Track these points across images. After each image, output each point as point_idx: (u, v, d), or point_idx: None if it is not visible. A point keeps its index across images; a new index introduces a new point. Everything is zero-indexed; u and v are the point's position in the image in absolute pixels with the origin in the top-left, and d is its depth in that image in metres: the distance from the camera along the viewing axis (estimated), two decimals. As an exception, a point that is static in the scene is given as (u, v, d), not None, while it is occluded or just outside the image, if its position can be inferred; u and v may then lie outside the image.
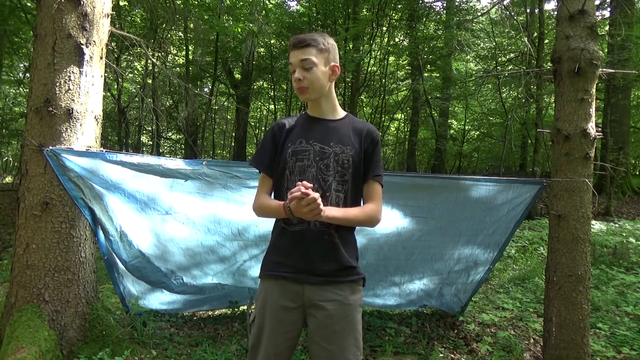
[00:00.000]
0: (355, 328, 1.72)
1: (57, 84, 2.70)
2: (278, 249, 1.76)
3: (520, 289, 4.99)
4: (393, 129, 18.21)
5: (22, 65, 12.46)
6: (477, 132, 16.71)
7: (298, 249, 1.70)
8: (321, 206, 1.54)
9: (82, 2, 2.76)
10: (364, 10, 11.82)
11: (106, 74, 3.76)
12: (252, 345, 1.75)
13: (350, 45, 11.56)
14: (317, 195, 1.52)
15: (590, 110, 2.86)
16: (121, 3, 10.06)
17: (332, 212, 1.63)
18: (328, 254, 1.70)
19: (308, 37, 1.74)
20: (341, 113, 1.85)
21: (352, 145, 1.76)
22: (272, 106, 16.78)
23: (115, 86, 11.85)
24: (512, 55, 13.34)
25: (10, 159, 11.82)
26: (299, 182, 1.54)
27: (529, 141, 13.62)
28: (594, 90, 2.88)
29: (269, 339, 1.70)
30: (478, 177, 3.42)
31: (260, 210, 1.79)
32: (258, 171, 1.85)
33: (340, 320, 1.68)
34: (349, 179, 1.74)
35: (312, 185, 1.56)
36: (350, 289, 1.73)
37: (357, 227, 1.83)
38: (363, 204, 1.81)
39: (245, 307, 3.91)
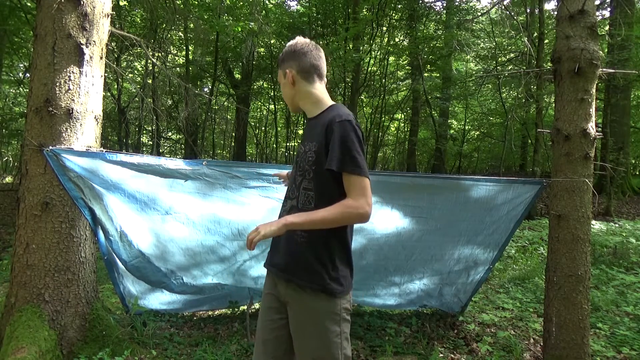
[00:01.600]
0: (326, 336, 1.66)
1: (57, 84, 2.70)
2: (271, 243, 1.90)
3: (520, 289, 4.99)
4: (393, 129, 18.22)
5: (22, 65, 12.46)
6: (477, 132, 16.72)
7: (274, 246, 1.83)
8: (254, 238, 1.56)
9: (82, 2, 2.75)
10: (364, 10, 11.82)
11: (106, 74, 3.76)
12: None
13: (350, 45, 11.56)
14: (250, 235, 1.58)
15: (590, 110, 2.86)
16: (121, 3, 10.06)
17: (290, 219, 1.60)
18: (293, 255, 1.71)
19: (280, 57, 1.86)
20: (322, 108, 1.79)
21: (317, 140, 1.69)
22: (272, 106, 16.79)
23: (115, 86, 11.86)
24: (512, 55, 13.34)
25: (10, 159, 11.82)
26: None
27: (529, 141, 13.62)
28: (594, 90, 2.88)
29: (261, 324, 1.82)
30: (478, 177, 3.42)
31: None
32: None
33: (305, 320, 1.70)
34: (314, 176, 1.69)
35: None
36: (313, 295, 1.67)
37: (355, 227, 1.83)
38: None
39: (245, 307, 3.91)
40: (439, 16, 13.36)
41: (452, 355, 3.35)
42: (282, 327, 1.77)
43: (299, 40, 1.83)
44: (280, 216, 1.79)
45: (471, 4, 13.38)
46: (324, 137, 1.66)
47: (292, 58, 1.80)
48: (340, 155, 1.59)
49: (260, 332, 1.81)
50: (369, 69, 13.61)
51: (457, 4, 13.06)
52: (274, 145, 17.67)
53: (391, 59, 14.19)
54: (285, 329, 1.77)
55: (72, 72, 2.74)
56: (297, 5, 14.29)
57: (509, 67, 12.46)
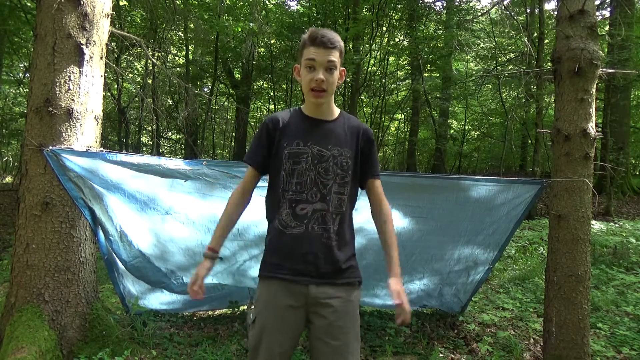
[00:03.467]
0: (356, 324, 1.77)
1: (57, 84, 2.70)
2: (277, 250, 1.76)
3: (520, 289, 4.99)
4: (393, 129, 18.20)
5: (22, 65, 12.46)
6: (477, 132, 16.70)
7: (296, 251, 1.71)
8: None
9: (82, 2, 2.75)
10: (364, 10, 11.81)
11: (106, 74, 3.76)
12: (253, 346, 1.74)
13: (350, 46, 11.55)
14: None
15: (590, 110, 2.86)
16: (121, 3, 10.06)
17: (399, 271, 1.84)
18: (326, 257, 1.72)
19: (333, 37, 1.68)
20: (336, 112, 1.82)
21: (349, 146, 1.77)
22: (272, 106, 16.76)
23: (115, 86, 11.84)
24: (512, 55, 13.33)
25: (10, 159, 11.82)
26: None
27: (529, 141, 13.61)
28: (594, 90, 2.88)
29: (274, 339, 1.70)
30: (478, 177, 3.42)
31: (229, 201, 1.90)
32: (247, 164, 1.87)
33: (344, 316, 1.72)
34: (349, 181, 1.75)
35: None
36: (349, 288, 1.77)
37: (355, 227, 1.87)
38: (371, 202, 1.87)
39: (245, 307, 3.91)
40: (439, 16, 13.34)
41: (452, 355, 3.35)
42: (294, 339, 1.76)
43: None
44: (286, 221, 1.73)
45: (471, 4, 13.37)
46: (356, 144, 1.79)
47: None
48: (377, 163, 1.85)
49: (276, 347, 1.69)
50: (369, 69, 13.60)
51: (457, 4, 13.05)
52: (274, 145, 17.59)
53: (391, 59, 14.17)
54: (294, 341, 1.77)
55: (72, 72, 2.74)
56: (297, 5, 14.29)
57: (509, 67, 12.46)
